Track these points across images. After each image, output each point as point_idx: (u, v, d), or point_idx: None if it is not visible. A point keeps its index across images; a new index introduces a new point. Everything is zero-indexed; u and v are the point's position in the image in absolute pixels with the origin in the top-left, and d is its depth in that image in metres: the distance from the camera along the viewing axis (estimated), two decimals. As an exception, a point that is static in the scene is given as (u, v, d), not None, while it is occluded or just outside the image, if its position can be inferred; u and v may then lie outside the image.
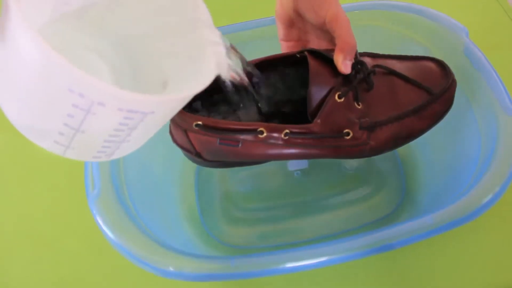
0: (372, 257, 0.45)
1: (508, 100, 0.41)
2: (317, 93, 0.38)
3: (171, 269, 0.36)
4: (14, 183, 0.57)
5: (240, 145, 0.38)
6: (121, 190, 0.42)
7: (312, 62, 0.39)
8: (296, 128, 0.37)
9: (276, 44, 0.47)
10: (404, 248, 0.36)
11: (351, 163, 0.55)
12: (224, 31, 0.50)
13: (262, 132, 0.37)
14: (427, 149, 0.52)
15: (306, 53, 0.40)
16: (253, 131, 0.37)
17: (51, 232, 0.53)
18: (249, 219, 0.53)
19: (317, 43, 0.44)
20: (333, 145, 0.38)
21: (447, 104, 0.41)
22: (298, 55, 0.41)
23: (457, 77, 0.46)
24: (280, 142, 0.37)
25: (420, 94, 0.41)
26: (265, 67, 0.42)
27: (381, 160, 0.55)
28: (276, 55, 0.42)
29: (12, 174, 0.58)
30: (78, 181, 0.55)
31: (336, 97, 0.38)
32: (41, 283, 0.49)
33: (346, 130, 0.38)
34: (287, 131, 0.37)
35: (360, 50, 0.53)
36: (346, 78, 0.39)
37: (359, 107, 0.39)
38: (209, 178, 0.55)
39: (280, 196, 0.54)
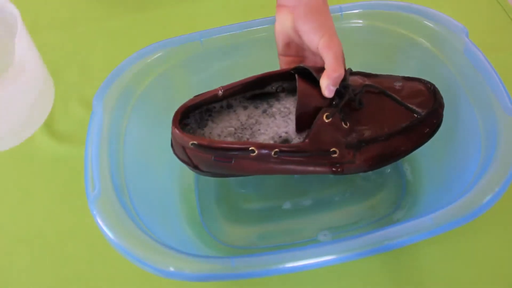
0: (372, 257, 0.45)
1: (508, 100, 0.41)
2: (303, 112, 0.41)
3: (171, 269, 0.36)
4: (14, 183, 0.57)
5: (233, 161, 0.41)
6: (121, 190, 0.42)
7: (300, 83, 0.41)
8: (285, 147, 0.40)
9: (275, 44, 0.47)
10: (404, 248, 0.36)
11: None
12: (224, 31, 0.51)
13: (253, 151, 0.40)
14: (427, 149, 0.52)
15: (296, 74, 0.42)
16: (245, 150, 0.40)
17: (51, 232, 0.53)
18: (249, 219, 0.53)
19: (313, 60, 0.45)
20: (320, 163, 0.41)
21: (433, 126, 0.43)
22: (292, 71, 0.43)
23: (457, 77, 0.46)
24: (270, 159, 0.40)
25: (408, 115, 0.42)
26: (261, 83, 0.45)
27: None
28: (271, 72, 0.44)
29: (12, 174, 0.58)
30: (78, 182, 0.55)
31: (324, 118, 0.40)
32: (41, 284, 0.49)
33: (333, 149, 0.40)
34: (277, 150, 0.39)
35: (360, 49, 0.53)
36: (334, 99, 0.40)
37: (346, 127, 0.41)
38: (209, 178, 0.55)
39: (280, 196, 0.54)
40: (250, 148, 0.39)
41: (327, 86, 0.40)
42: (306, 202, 0.53)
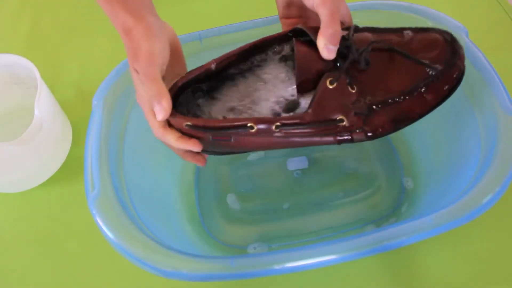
0: (372, 257, 0.45)
1: (508, 100, 0.41)
2: (304, 79, 0.37)
3: (171, 269, 0.36)
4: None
5: (232, 139, 0.38)
6: (121, 190, 0.42)
7: (298, 47, 0.37)
8: (287, 119, 0.36)
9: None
10: (404, 248, 0.36)
11: (351, 163, 0.55)
12: (224, 31, 0.51)
13: (252, 127, 0.37)
14: (427, 149, 0.52)
15: (293, 38, 0.39)
16: (243, 127, 0.37)
17: (51, 232, 0.53)
18: (249, 219, 0.53)
19: (317, 19, 0.40)
20: (326, 133, 0.37)
21: (452, 82, 0.38)
22: (290, 34, 0.40)
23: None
24: (272, 134, 0.37)
25: (422, 72, 0.37)
26: (258, 50, 0.41)
27: (381, 160, 0.55)
28: (267, 37, 0.41)
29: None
30: (78, 182, 0.55)
31: (328, 83, 0.36)
32: (41, 284, 0.49)
33: (340, 117, 0.36)
34: (278, 123, 0.36)
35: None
36: (337, 61, 0.37)
37: (353, 91, 0.36)
38: (209, 178, 0.55)
39: (280, 196, 0.54)
40: (248, 125, 0.36)
41: (325, 45, 0.36)
42: (306, 202, 0.53)
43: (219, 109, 0.41)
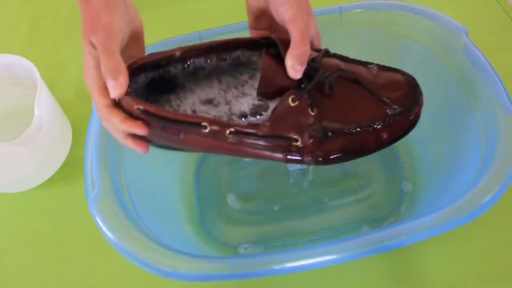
0: (372, 257, 0.45)
1: (508, 100, 0.41)
2: (266, 89, 0.37)
3: (170, 269, 0.36)
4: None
5: (181, 135, 0.36)
6: (121, 190, 0.42)
7: (266, 59, 0.37)
8: (243, 127, 0.36)
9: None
10: (404, 248, 0.36)
11: (351, 163, 0.54)
12: (224, 30, 0.51)
13: (205, 127, 0.35)
14: (427, 149, 0.52)
15: (264, 49, 0.38)
16: (196, 125, 0.35)
17: (51, 233, 0.53)
18: (249, 219, 0.53)
19: (287, 33, 0.40)
20: (278, 149, 0.37)
21: (408, 125, 0.39)
22: (261, 41, 0.40)
23: (456, 77, 0.46)
24: (224, 138, 0.36)
25: (381, 109, 0.38)
26: (227, 49, 0.41)
27: (381, 160, 0.55)
28: (239, 38, 0.40)
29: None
30: (78, 182, 0.55)
31: (290, 101, 0.36)
32: (41, 284, 0.49)
33: (295, 136, 0.36)
34: (232, 129, 0.35)
35: (360, 49, 0.53)
36: (302, 81, 0.37)
37: (313, 114, 0.37)
38: (209, 178, 0.56)
39: (280, 196, 0.54)
40: (202, 124, 0.35)
41: (292, 65, 0.36)
42: (306, 202, 0.53)
43: (190, 100, 0.40)
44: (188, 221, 0.52)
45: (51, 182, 0.56)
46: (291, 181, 0.54)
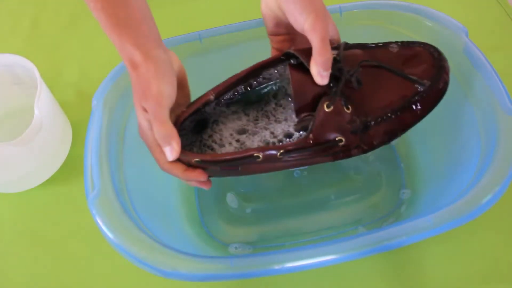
0: (372, 257, 0.45)
1: (508, 100, 0.41)
2: (301, 102, 0.39)
3: (170, 269, 0.36)
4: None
5: (240, 168, 0.40)
6: (121, 190, 0.42)
7: (293, 74, 0.39)
8: (290, 146, 0.38)
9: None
10: (404, 248, 0.36)
11: (351, 163, 0.55)
12: (224, 30, 0.51)
13: (258, 157, 0.38)
14: (427, 149, 0.52)
15: (288, 65, 0.41)
16: (250, 157, 0.38)
17: (51, 233, 0.53)
18: (249, 219, 0.53)
19: (305, 38, 0.42)
20: (327, 153, 0.39)
21: (439, 94, 0.40)
22: (282, 57, 0.42)
23: (457, 77, 0.46)
24: (276, 160, 0.39)
25: (410, 87, 0.39)
26: (253, 75, 0.43)
27: (381, 160, 0.55)
28: (261, 62, 0.43)
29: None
30: (78, 182, 0.55)
31: (325, 107, 0.38)
32: (41, 284, 0.49)
33: (339, 138, 0.38)
34: (282, 150, 0.38)
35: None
36: (331, 82, 0.38)
37: (349, 111, 0.38)
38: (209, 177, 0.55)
39: (280, 196, 0.54)
40: (254, 155, 0.38)
41: (318, 72, 0.37)
42: (306, 202, 0.53)
43: (222, 138, 0.43)
44: (187, 221, 0.52)
45: (51, 182, 0.56)
46: (291, 181, 0.54)
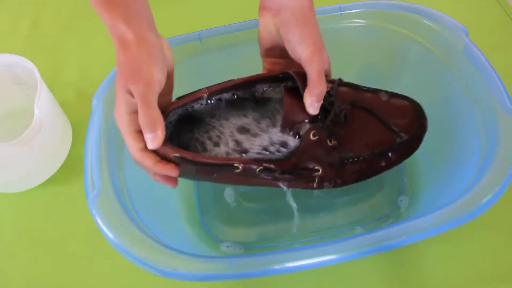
0: (372, 257, 0.45)
1: (508, 100, 0.41)
2: (288, 124, 0.40)
3: (170, 269, 0.36)
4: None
5: (215, 175, 0.40)
6: (121, 190, 0.42)
7: (286, 98, 0.40)
8: (271, 164, 0.39)
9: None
10: (403, 248, 0.36)
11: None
12: (224, 30, 0.51)
13: (237, 168, 0.39)
14: (427, 149, 0.52)
15: (283, 87, 0.42)
16: (230, 166, 0.39)
17: (51, 233, 0.53)
18: (249, 219, 0.52)
19: (298, 63, 0.43)
20: (302, 180, 0.40)
21: (414, 148, 0.43)
22: (280, 75, 0.43)
23: (457, 77, 0.46)
24: (253, 175, 0.39)
25: (390, 137, 0.41)
26: (248, 85, 0.44)
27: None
28: (259, 75, 0.44)
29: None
30: (78, 182, 0.55)
31: (311, 136, 0.39)
32: (41, 283, 0.49)
33: (316, 167, 0.40)
34: (261, 167, 0.39)
35: (360, 49, 0.53)
36: (320, 114, 0.40)
37: (331, 144, 0.40)
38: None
39: (280, 196, 0.54)
40: (234, 165, 0.39)
41: (311, 103, 0.38)
42: (306, 202, 0.53)
43: (228, 131, 0.43)
44: (187, 221, 0.52)
45: (51, 182, 0.56)
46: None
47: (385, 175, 0.53)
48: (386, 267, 0.46)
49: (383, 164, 0.42)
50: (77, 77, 0.65)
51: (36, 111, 0.48)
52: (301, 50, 0.39)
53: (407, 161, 0.53)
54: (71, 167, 0.57)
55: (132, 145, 0.38)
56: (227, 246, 0.50)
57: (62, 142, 0.56)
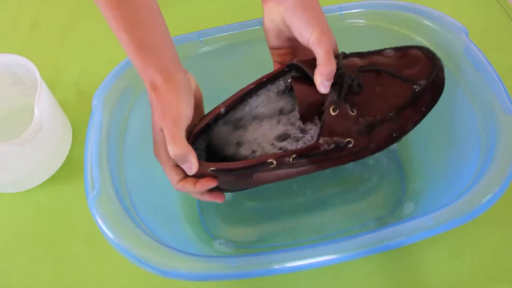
0: (372, 256, 0.45)
1: (508, 100, 0.41)
2: (306, 110, 0.41)
3: (170, 269, 0.36)
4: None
5: (254, 177, 0.41)
6: (121, 190, 0.42)
7: (296, 86, 0.41)
8: (302, 151, 0.39)
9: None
10: (404, 247, 0.36)
11: (352, 163, 0.54)
12: (224, 30, 0.51)
13: (272, 163, 0.39)
14: (427, 149, 0.52)
15: (291, 78, 0.42)
16: (264, 164, 0.39)
17: (51, 233, 0.53)
18: (248, 219, 0.53)
19: (304, 49, 0.44)
20: (337, 156, 0.40)
21: (437, 92, 0.42)
22: (286, 69, 0.43)
23: (457, 77, 0.46)
24: (289, 165, 0.40)
25: (408, 88, 0.41)
26: (261, 86, 0.44)
27: (381, 160, 0.54)
28: (265, 76, 0.44)
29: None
30: (78, 182, 0.55)
31: (331, 111, 0.39)
32: (41, 283, 0.49)
33: (348, 139, 0.39)
34: (294, 155, 0.39)
35: (360, 49, 0.53)
36: (334, 90, 0.40)
37: (354, 114, 0.40)
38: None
39: (280, 195, 0.54)
40: (268, 161, 0.39)
41: (321, 82, 0.39)
42: (307, 201, 0.53)
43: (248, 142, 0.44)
44: (187, 221, 0.52)
45: (51, 182, 0.56)
46: (292, 180, 0.54)
47: (385, 175, 0.53)
48: (386, 267, 0.46)
49: (412, 116, 0.41)
50: (77, 77, 0.65)
51: (36, 111, 0.48)
52: (308, 33, 0.40)
53: (408, 161, 0.53)
54: (71, 167, 0.57)
55: (172, 178, 0.41)
56: (220, 244, 0.50)
57: (62, 142, 0.56)
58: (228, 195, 0.54)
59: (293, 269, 0.36)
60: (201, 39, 0.50)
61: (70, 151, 0.58)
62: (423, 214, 0.37)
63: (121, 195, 0.41)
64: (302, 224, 0.51)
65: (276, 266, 0.36)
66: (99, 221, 0.39)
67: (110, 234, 0.38)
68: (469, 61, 0.44)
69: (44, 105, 0.50)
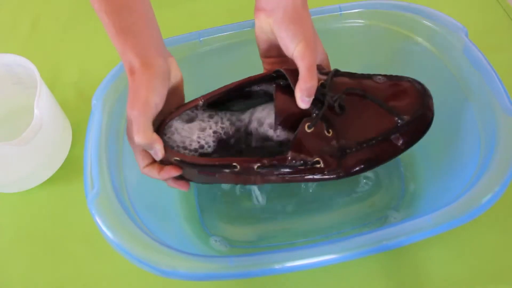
0: (371, 256, 0.45)
1: (508, 100, 0.41)
2: (282, 119, 0.40)
3: (170, 268, 0.36)
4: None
5: (216, 175, 0.40)
6: (120, 190, 0.42)
7: (277, 95, 0.40)
8: (268, 161, 0.39)
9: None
10: (403, 247, 0.36)
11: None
12: (223, 30, 0.51)
13: (236, 167, 0.39)
14: (427, 149, 0.52)
15: (274, 85, 0.42)
16: (228, 166, 0.39)
17: (51, 233, 0.53)
18: (249, 219, 0.52)
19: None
20: (303, 174, 0.39)
21: (419, 130, 0.40)
22: (273, 74, 0.43)
23: (456, 77, 0.46)
24: (253, 173, 0.40)
25: (392, 120, 0.40)
26: (242, 88, 0.44)
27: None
28: (252, 77, 0.43)
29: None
30: (78, 182, 0.55)
31: (306, 128, 0.39)
32: (41, 283, 0.49)
33: (317, 159, 0.39)
34: (259, 164, 0.39)
35: (360, 49, 0.53)
36: (315, 106, 0.39)
37: (329, 135, 0.39)
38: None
39: (280, 195, 0.54)
40: (233, 164, 0.39)
41: (301, 97, 0.38)
42: (306, 202, 0.53)
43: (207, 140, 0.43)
44: (187, 220, 0.52)
45: (51, 182, 0.56)
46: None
47: (385, 174, 0.53)
48: (386, 267, 0.46)
49: (389, 150, 0.40)
50: (77, 77, 0.65)
51: (36, 111, 0.48)
52: (293, 47, 0.40)
53: (407, 161, 0.53)
54: (71, 167, 0.57)
55: (139, 162, 0.42)
56: (215, 241, 0.50)
57: (62, 142, 0.56)
58: (228, 195, 0.54)
59: (292, 269, 0.36)
60: (201, 39, 0.50)
61: (70, 151, 0.58)
62: (423, 214, 0.37)
63: (120, 195, 0.41)
64: (301, 224, 0.51)
65: (276, 266, 0.36)
66: (99, 221, 0.39)
67: (109, 234, 0.38)
68: (469, 61, 0.44)
69: (44, 105, 0.50)
